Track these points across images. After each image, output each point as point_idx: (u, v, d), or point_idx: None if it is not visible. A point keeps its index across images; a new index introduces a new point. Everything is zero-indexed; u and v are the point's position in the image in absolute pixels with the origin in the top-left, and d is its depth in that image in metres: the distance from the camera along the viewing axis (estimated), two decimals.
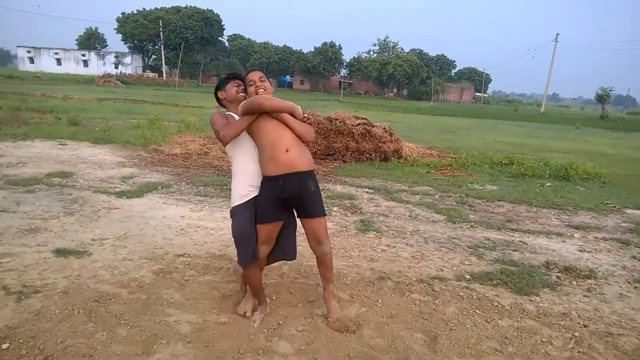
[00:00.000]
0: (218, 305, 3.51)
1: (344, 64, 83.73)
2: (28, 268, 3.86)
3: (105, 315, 3.22)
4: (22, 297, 3.38)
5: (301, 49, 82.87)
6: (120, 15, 71.99)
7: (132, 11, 72.32)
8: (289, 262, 4.02)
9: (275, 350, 3.00)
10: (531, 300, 3.99)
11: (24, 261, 3.98)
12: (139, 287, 3.71)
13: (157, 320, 3.20)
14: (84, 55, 76.93)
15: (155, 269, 4.04)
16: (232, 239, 3.24)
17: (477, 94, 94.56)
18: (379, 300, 3.78)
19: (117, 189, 6.64)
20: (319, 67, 77.77)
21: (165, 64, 68.34)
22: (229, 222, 5.76)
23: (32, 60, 75.53)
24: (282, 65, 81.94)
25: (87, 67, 74.24)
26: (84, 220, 5.17)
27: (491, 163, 11.20)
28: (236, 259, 3.26)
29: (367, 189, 7.89)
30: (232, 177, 3.26)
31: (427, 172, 9.79)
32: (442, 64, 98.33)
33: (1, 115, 14.48)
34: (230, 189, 3.25)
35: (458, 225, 6.13)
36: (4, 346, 2.79)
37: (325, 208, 6.30)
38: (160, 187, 6.98)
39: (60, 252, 4.19)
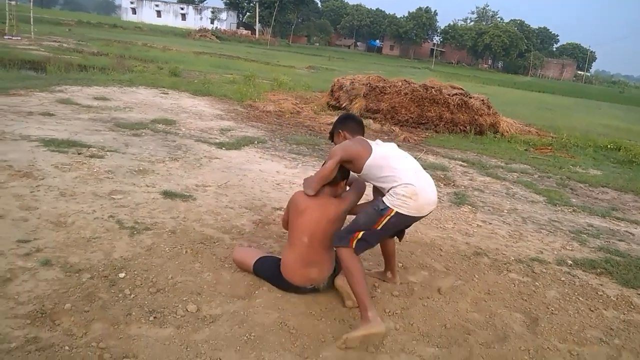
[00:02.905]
0: None
1: (438, 31, 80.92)
2: (139, 206, 4.10)
3: (211, 257, 3.37)
4: (135, 232, 3.61)
5: (394, 13, 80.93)
6: None
7: None
8: None
9: None
10: (639, 294, 3.73)
11: (134, 199, 4.23)
12: (240, 234, 3.85)
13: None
14: (182, 9, 79.52)
15: (255, 219, 4.17)
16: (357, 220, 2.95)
17: (579, 72, 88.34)
18: (476, 276, 3.68)
19: (217, 140, 6.87)
20: (411, 33, 75.68)
21: (259, 22, 69.23)
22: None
23: (134, 11, 79.07)
24: (372, 29, 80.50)
25: (185, 20, 76.73)
26: (188, 167, 5.40)
27: (595, 146, 10.49)
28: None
29: (460, 162, 7.66)
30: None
31: (526, 150, 9.34)
32: (544, 38, 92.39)
33: (108, 61, 15.38)
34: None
35: (559, 208, 5.83)
36: (121, 275, 3.00)
37: None
38: (256, 142, 7.15)
39: (167, 194, 4.42)
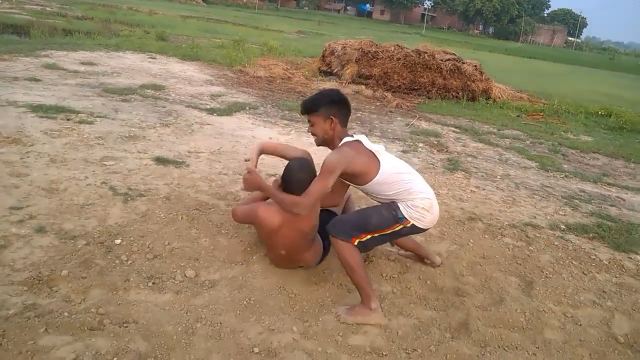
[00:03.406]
0: None
1: None
2: (131, 172, 4.05)
3: (207, 223, 3.35)
4: (129, 199, 3.56)
5: None
6: None
7: None
8: None
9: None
10: (630, 258, 3.79)
11: (127, 165, 4.17)
12: (236, 200, 3.82)
13: (255, 234, 3.29)
14: None
15: None
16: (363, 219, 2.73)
17: (570, 38, 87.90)
18: (471, 240, 3.71)
19: (208, 106, 6.77)
20: None
21: None
22: (317, 149, 5.82)
23: None
24: None
25: None
26: (179, 133, 5.33)
27: (586, 113, 10.50)
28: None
29: (453, 128, 7.64)
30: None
31: (518, 116, 9.33)
32: (535, 3, 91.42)
33: (93, 26, 15.00)
34: None
35: (551, 174, 5.85)
36: (117, 241, 2.97)
37: (410, 144, 6.24)
38: (247, 108, 7.05)
39: (160, 161, 4.36)
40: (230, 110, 6.72)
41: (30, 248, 2.78)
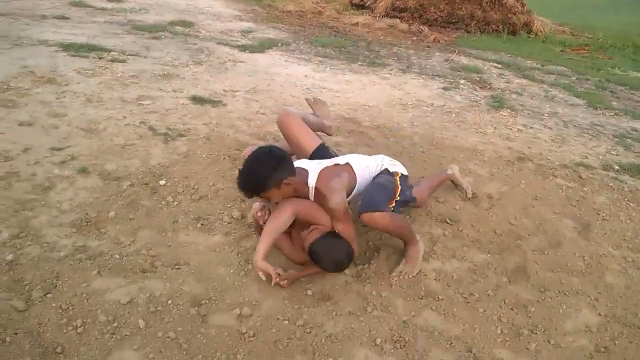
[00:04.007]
0: None
1: None
2: (169, 112, 3.95)
3: None
4: (169, 139, 3.48)
5: None
6: None
7: None
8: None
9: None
10: None
11: (164, 105, 4.07)
12: (275, 141, 3.70)
13: None
14: None
15: None
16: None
17: None
18: (522, 181, 3.54)
19: (239, 43, 6.55)
20: None
21: None
22: (352, 86, 5.64)
23: None
24: None
25: None
26: (213, 71, 5.17)
27: (634, 47, 9.87)
28: None
29: (494, 64, 7.27)
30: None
31: (562, 51, 8.84)
32: None
33: None
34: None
35: (600, 112, 5.56)
36: (161, 182, 2.91)
37: (452, 80, 5.98)
38: (279, 44, 6.81)
39: (196, 100, 4.24)
40: (262, 47, 6.49)
41: (74, 189, 2.74)
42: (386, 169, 2.63)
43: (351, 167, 2.53)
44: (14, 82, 4.03)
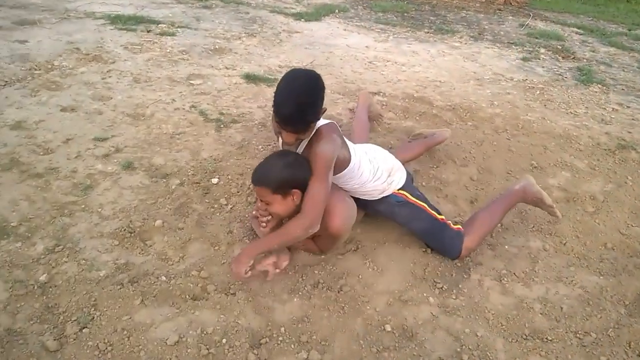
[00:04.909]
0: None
1: None
2: (221, 93, 3.59)
3: None
4: (222, 125, 3.14)
5: None
6: None
7: None
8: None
9: None
10: None
11: (215, 85, 3.72)
12: (339, 125, 3.29)
13: None
14: None
15: (351, 107, 3.57)
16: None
17: None
18: (628, 177, 3.01)
19: (293, 10, 6.09)
20: None
21: None
22: (419, 57, 5.12)
23: None
24: None
25: None
26: (267, 44, 4.76)
27: None
28: None
29: (575, 29, 6.51)
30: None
31: None
32: None
33: None
34: None
35: None
36: (214, 180, 2.57)
37: (530, 50, 5.33)
38: (337, 11, 6.29)
39: (250, 78, 3.86)
40: (318, 14, 6.00)
41: (118, 189, 2.44)
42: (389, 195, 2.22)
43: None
44: (58, 61, 3.76)
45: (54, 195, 2.35)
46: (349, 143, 2.11)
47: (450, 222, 2.21)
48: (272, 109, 1.85)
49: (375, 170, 2.15)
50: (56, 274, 1.93)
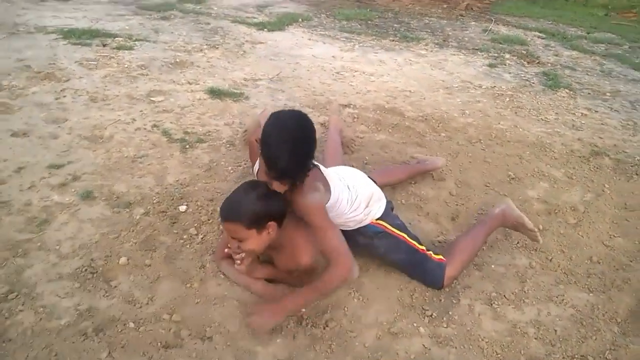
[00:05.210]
0: None
1: None
2: (185, 110, 3.42)
3: None
4: (187, 146, 2.97)
5: None
6: None
7: None
8: None
9: None
10: None
11: (178, 101, 3.54)
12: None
13: None
14: None
15: (322, 121, 3.45)
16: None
17: None
18: (605, 185, 2.99)
19: (255, 20, 5.94)
20: None
21: None
22: (387, 67, 5.04)
23: None
24: None
25: None
26: (230, 56, 4.60)
27: None
28: None
29: (537, 33, 6.57)
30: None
31: (606, 15, 8.07)
32: None
33: None
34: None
35: None
36: (182, 208, 2.40)
37: (496, 55, 5.34)
38: (300, 20, 6.17)
39: (214, 93, 3.70)
40: (281, 23, 5.86)
41: (77, 223, 2.24)
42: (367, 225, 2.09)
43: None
44: (7, 80, 3.51)
45: (6, 232, 2.14)
46: (326, 175, 1.94)
47: (431, 252, 2.10)
48: (262, 160, 1.68)
49: (353, 200, 2.01)
50: (10, 325, 1.73)
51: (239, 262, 1.86)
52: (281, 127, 1.69)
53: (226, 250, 1.91)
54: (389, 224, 2.09)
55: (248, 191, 1.77)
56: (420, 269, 2.06)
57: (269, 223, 1.76)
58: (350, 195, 1.99)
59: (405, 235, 2.10)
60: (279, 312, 1.79)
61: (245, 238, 1.75)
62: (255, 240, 1.77)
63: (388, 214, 2.15)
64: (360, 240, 2.08)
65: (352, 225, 2.06)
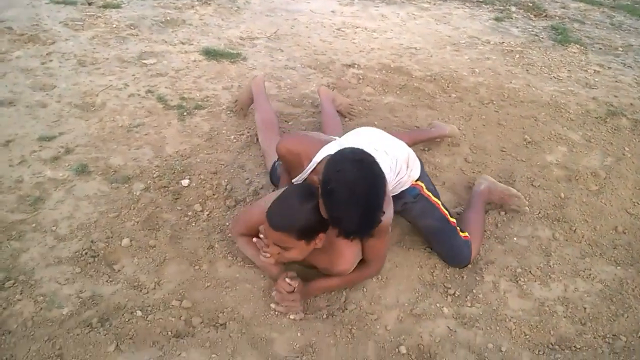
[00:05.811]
0: None
1: None
2: (179, 74, 3.22)
3: None
4: (185, 113, 2.79)
5: None
6: None
7: None
8: None
9: None
10: None
11: (172, 64, 3.33)
12: (314, 106, 3.00)
13: None
14: None
15: (326, 83, 3.27)
16: None
17: None
18: (625, 148, 2.86)
19: None
20: None
21: None
22: (389, 22, 4.81)
23: None
24: None
25: None
26: (224, 12, 4.34)
27: None
28: None
29: None
30: None
31: None
32: None
33: None
34: None
35: None
36: (184, 183, 2.25)
37: (501, 8, 5.10)
38: None
39: (209, 54, 3.48)
40: None
41: (74, 200, 2.10)
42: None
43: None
44: None
45: None
46: (367, 146, 1.67)
47: (458, 228, 1.98)
48: (330, 222, 1.52)
49: (394, 165, 1.83)
50: (9, 316, 1.61)
51: (267, 255, 1.69)
52: (349, 186, 1.42)
53: (258, 246, 1.72)
54: (425, 187, 1.97)
55: (303, 201, 1.58)
56: (448, 243, 1.94)
57: (320, 235, 1.62)
58: (391, 161, 1.82)
59: (440, 203, 1.97)
60: (307, 295, 1.74)
61: (292, 247, 1.61)
62: (301, 250, 1.62)
63: (424, 175, 2.02)
64: (397, 207, 1.92)
65: (398, 191, 1.92)
